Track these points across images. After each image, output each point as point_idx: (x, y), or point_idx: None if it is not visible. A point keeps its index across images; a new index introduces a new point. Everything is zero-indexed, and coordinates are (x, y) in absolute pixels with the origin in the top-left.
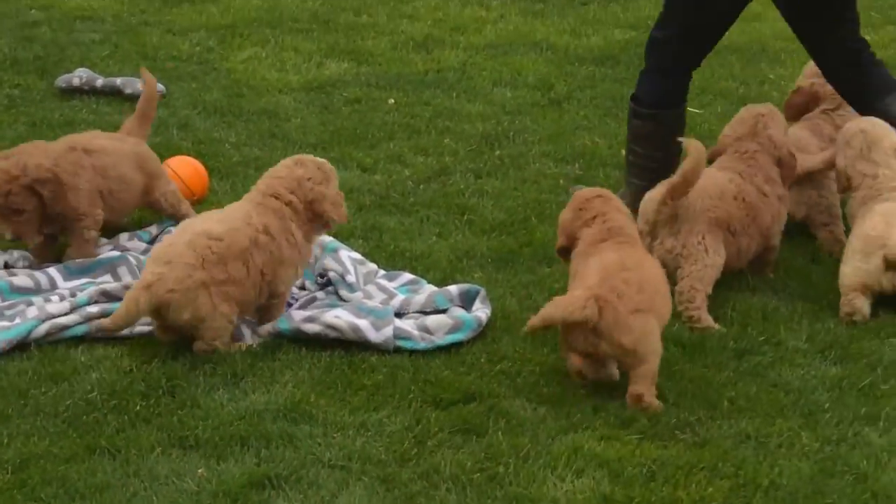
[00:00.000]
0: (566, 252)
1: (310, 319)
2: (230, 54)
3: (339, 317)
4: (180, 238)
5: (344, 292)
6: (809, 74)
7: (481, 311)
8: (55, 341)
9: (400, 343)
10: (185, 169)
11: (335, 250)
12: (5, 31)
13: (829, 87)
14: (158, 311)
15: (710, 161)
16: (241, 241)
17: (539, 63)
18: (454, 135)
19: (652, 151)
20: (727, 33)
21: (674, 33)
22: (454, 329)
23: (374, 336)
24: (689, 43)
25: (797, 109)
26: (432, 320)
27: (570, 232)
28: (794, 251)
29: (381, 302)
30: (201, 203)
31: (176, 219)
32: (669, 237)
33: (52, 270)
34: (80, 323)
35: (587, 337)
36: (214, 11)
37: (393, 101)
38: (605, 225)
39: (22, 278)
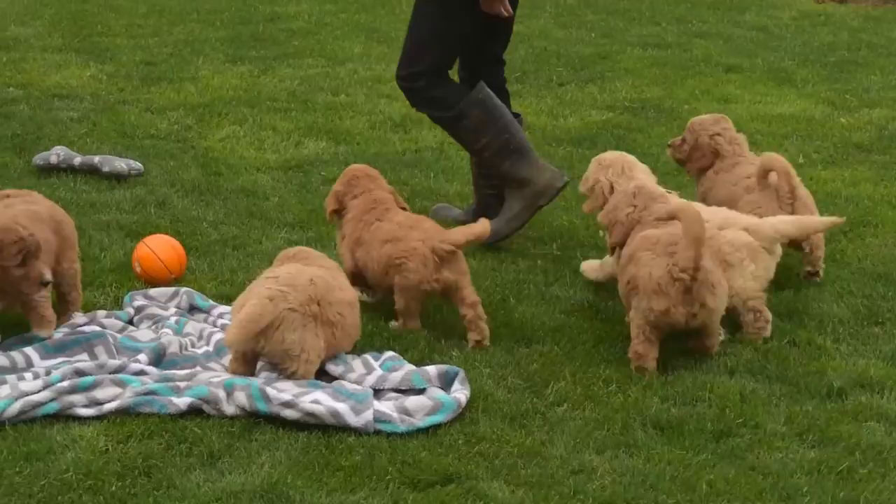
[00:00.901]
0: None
1: (288, 405)
2: (208, 133)
3: (319, 401)
4: (301, 273)
5: None
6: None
7: (460, 393)
8: (30, 420)
9: (380, 426)
10: (162, 247)
11: None
12: None
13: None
14: (265, 330)
15: None
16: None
17: None
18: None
19: (495, 128)
20: None
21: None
22: (434, 411)
23: (353, 420)
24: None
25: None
26: (412, 402)
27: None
28: (772, 333)
29: (359, 375)
30: (179, 282)
31: (64, 301)
32: None
33: (29, 349)
34: (52, 399)
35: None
36: (192, 90)
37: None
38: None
39: None
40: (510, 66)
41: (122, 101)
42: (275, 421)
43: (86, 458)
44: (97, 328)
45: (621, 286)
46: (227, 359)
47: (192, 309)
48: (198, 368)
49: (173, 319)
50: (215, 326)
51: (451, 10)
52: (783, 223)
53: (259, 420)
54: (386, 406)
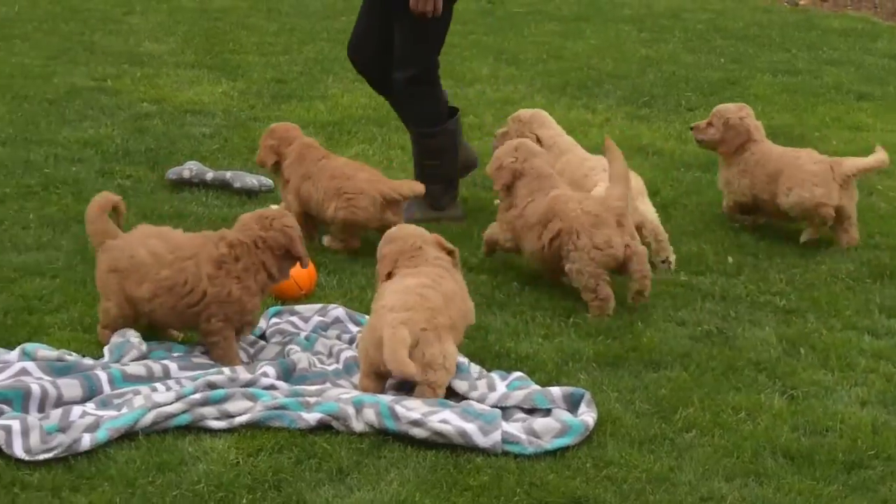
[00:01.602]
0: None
1: (417, 423)
2: (337, 150)
3: (447, 421)
4: (408, 293)
5: None
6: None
7: (588, 415)
8: (163, 431)
9: (508, 447)
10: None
11: None
12: (118, 123)
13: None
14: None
15: None
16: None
17: (644, 168)
18: None
19: (448, 159)
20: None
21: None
22: (561, 433)
23: (482, 441)
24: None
25: None
26: (540, 424)
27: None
28: None
29: (480, 394)
30: (308, 298)
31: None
32: None
33: (168, 362)
34: (185, 411)
35: None
36: (322, 108)
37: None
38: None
39: (135, 367)
40: (639, 89)
41: (254, 118)
42: (403, 438)
43: (217, 471)
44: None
45: (536, 250)
46: (356, 376)
47: (337, 322)
48: (327, 384)
49: (303, 336)
50: (349, 343)
51: (447, 8)
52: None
53: (388, 437)
54: (514, 427)
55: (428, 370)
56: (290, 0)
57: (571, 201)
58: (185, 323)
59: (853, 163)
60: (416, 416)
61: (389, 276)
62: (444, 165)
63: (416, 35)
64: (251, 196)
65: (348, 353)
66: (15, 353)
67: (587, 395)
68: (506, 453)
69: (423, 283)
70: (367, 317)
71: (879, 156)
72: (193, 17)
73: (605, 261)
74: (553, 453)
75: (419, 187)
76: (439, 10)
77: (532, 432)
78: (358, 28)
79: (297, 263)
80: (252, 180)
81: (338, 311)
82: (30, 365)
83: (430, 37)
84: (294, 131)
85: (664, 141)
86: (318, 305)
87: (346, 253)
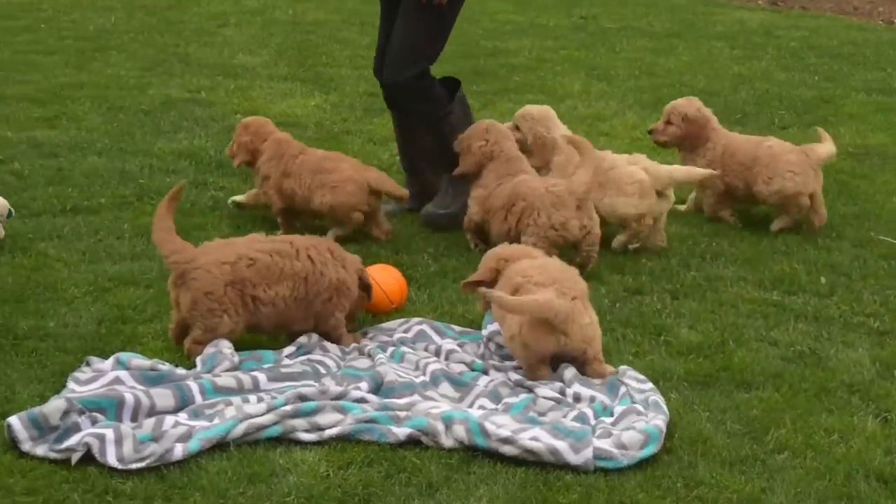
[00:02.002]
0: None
1: (507, 441)
2: None
3: (538, 438)
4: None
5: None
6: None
7: (658, 420)
8: (254, 442)
9: (601, 464)
10: (385, 278)
11: None
12: (212, 134)
13: None
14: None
15: None
16: None
17: None
18: (650, 254)
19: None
20: None
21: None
22: (644, 444)
23: (573, 458)
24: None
25: None
26: (627, 437)
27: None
28: None
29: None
30: (399, 312)
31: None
32: None
33: (258, 373)
34: (275, 423)
35: None
36: None
37: None
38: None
39: (226, 378)
40: (731, 107)
41: (346, 131)
42: (492, 455)
43: (307, 483)
44: (327, 361)
45: (503, 232)
46: (442, 387)
47: (421, 337)
48: (416, 397)
49: (390, 350)
50: (437, 356)
51: (453, 4)
52: (676, 170)
53: (477, 453)
54: (605, 443)
55: (587, 344)
56: None
57: (537, 182)
58: (303, 321)
59: (823, 149)
60: (506, 433)
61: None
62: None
63: (428, 31)
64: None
65: (435, 367)
66: (109, 362)
67: (656, 399)
68: (596, 471)
69: (551, 260)
70: (452, 327)
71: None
72: (287, 29)
73: (558, 240)
74: (644, 472)
75: (402, 192)
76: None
77: (622, 446)
78: (381, 44)
79: (391, 276)
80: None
81: (421, 325)
82: (123, 374)
83: (444, 31)
84: (268, 126)
85: None
86: (401, 320)
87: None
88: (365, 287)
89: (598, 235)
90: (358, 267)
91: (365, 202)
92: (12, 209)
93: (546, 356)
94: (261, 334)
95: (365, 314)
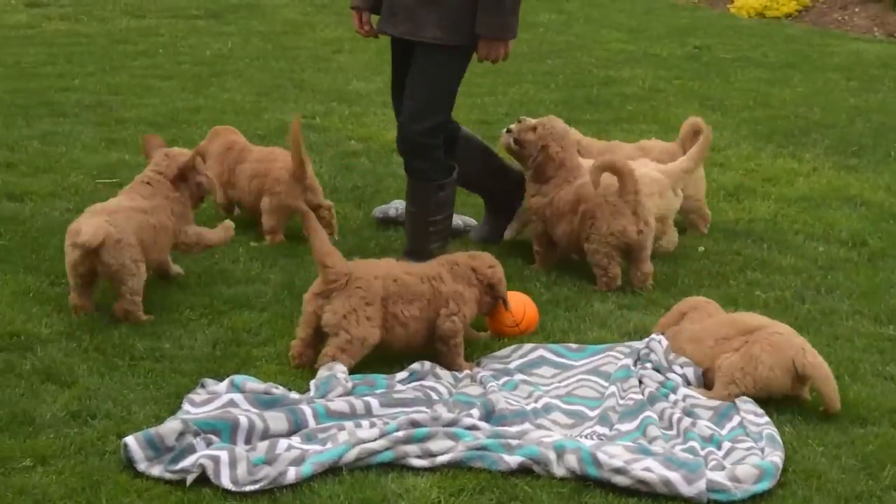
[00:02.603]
0: None
1: (620, 471)
2: None
3: (650, 469)
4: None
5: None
6: None
7: (775, 455)
8: (366, 467)
9: (714, 496)
10: (515, 303)
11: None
12: (326, 160)
13: None
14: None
15: None
16: None
17: (853, 218)
18: (764, 286)
19: (450, 213)
20: None
21: (444, 117)
22: (759, 479)
23: (686, 490)
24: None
25: None
26: (742, 470)
27: None
28: None
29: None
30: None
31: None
32: None
33: (371, 398)
34: (388, 448)
35: None
36: None
37: (703, 248)
38: None
39: (339, 403)
40: (847, 139)
41: None
42: (604, 485)
43: None
44: (439, 388)
45: (563, 231)
46: (554, 414)
47: (542, 361)
48: (527, 425)
49: (503, 380)
50: (558, 381)
51: (465, 58)
52: (683, 160)
53: (589, 482)
54: (719, 475)
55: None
56: None
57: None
58: (424, 339)
59: (679, 166)
60: (618, 463)
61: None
62: (446, 220)
63: (449, 82)
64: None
65: (546, 399)
66: (224, 385)
67: (772, 433)
68: (709, 502)
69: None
70: (572, 348)
71: None
72: None
73: (620, 245)
74: None
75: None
76: (508, 55)
77: (735, 479)
78: (396, 84)
79: (520, 301)
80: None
81: (537, 350)
82: (238, 397)
83: (456, 83)
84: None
85: (873, 192)
86: (514, 346)
87: (272, 245)
88: (493, 294)
89: (649, 244)
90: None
91: (301, 198)
92: None
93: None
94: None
95: (479, 343)
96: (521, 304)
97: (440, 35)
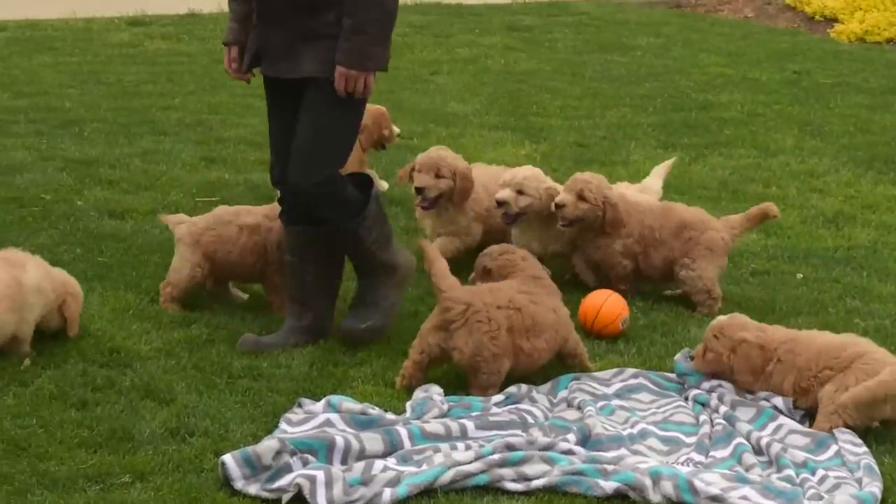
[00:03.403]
0: None
1: (716, 499)
2: None
3: (747, 497)
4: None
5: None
6: None
7: (873, 486)
8: (461, 489)
9: None
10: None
11: None
12: None
13: None
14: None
15: None
16: None
17: None
18: (863, 314)
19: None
20: None
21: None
22: None
23: None
24: None
25: None
26: (840, 501)
27: None
28: None
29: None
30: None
31: None
32: None
33: (466, 420)
34: (483, 471)
35: None
36: (623, 174)
37: (801, 275)
38: None
39: (434, 425)
40: None
41: (557, 181)
42: None
43: None
44: (535, 411)
45: (665, 261)
46: (650, 441)
47: (639, 390)
48: (623, 451)
49: (600, 404)
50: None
51: (362, 106)
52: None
53: None
54: None
55: None
56: (594, 64)
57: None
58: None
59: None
60: (715, 490)
61: None
62: (382, 227)
63: (343, 130)
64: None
65: (642, 425)
66: (321, 405)
67: (870, 463)
68: None
69: None
70: (672, 380)
71: None
72: (498, 79)
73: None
74: None
75: None
76: (370, 88)
77: None
78: (277, 143)
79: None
80: None
81: (637, 378)
82: (334, 417)
83: (357, 129)
84: None
85: None
86: (616, 370)
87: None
88: None
89: None
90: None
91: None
92: None
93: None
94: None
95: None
96: (594, 309)
97: (320, 69)
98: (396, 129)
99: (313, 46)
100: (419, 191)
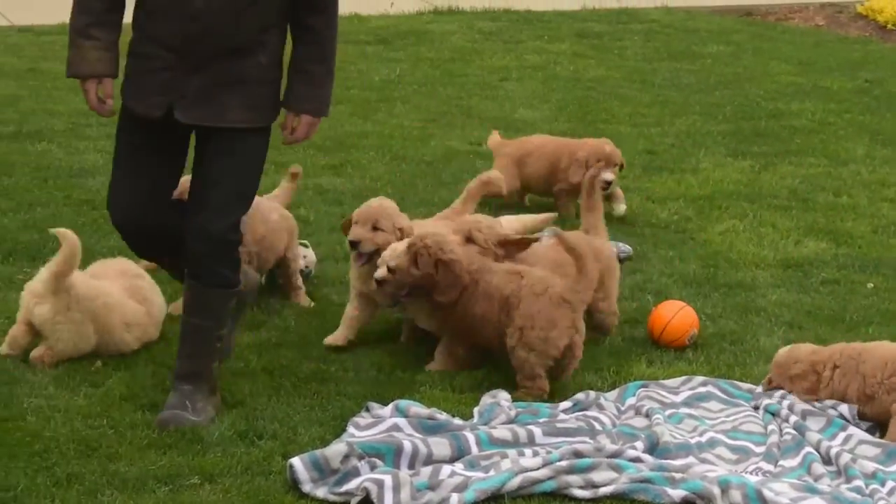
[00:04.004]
0: None
1: None
2: (707, 225)
3: None
4: None
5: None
6: None
7: None
8: (528, 495)
9: None
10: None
11: None
12: None
13: None
14: None
15: None
16: None
17: None
18: None
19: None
20: None
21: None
22: None
23: None
24: None
25: None
26: None
27: None
28: None
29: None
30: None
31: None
32: None
33: (533, 427)
34: (550, 478)
35: None
36: (693, 182)
37: (872, 285)
38: None
39: (502, 431)
40: None
41: (625, 189)
42: None
43: None
44: (603, 418)
45: None
46: (719, 450)
47: (708, 398)
48: (691, 459)
49: (669, 412)
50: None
51: (268, 139)
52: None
53: None
54: None
55: None
56: (663, 71)
57: None
58: None
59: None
60: (784, 501)
61: None
62: (232, 331)
63: (255, 168)
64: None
65: (711, 434)
66: (389, 409)
67: None
68: None
69: None
70: (741, 388)
71: None
72: (567, 85)
73: None
74: None
75: None
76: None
77: None
78: (137, 187)
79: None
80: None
81: (706, 386)
82: (402, 421)
83: (259, 173)
84: None
85: None
86: (684, 378)
87: None
88: None
89: None
90: None
91: None
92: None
93: None
94: None
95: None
96: (662, 322)
97: (248, 117)
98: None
99: (241, 93)
100: (353, 245)
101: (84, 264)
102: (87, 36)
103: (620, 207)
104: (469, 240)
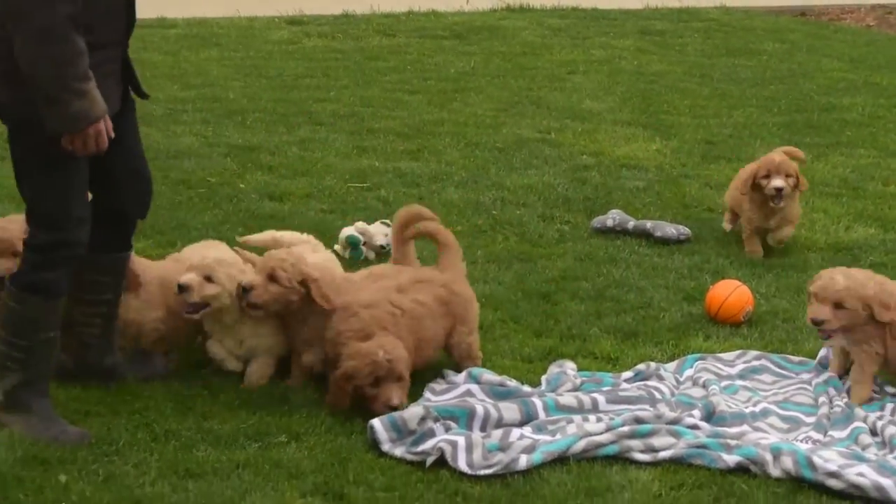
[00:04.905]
0: None
1: (834, 475)
2: None
3: (864, 474)
4: None
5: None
6: None
7: None
8: (592, 458)
9: None
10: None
11: None
12: (559, 172)
13: None
14: None
15: None
16: None
17: None
18: None
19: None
20: None
21: None
22: None
23: None
24: None
25: None
26: None
27: None
28: None
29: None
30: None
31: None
32: None
33: (597, 395)
34: (613, 442)
35: None
36: None
37: None
38: None
39: (567, 398)
40: None
41: (684, 175)
42: (818, 487)
43: (641, 500)
44: (662, 388)
45: None
46: (771, 419)
47: (764, 369)
48: (745, 427)
49: (724, 383)
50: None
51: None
52: None
53: (803, 485)
54: None
55: None
56: (721, 67)
57: None
58: None
59: None
60: (833, 467)
61: None
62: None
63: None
64: (667, 244)
65: (764, 405)
66: (462, 376)
67: None
68: None
69: None
70: (793, 360)
71: None
72: (631, 79)
73: None
74: None
75: None
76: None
77: None
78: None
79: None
80: (671, 230)
81: (760, 360)
82: (475, 387)
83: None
84: None
85: None
86: (739, 352)
87: None
88: None
89: None
90: None
91: None
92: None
93: None
94: None
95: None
96: (719, 300)
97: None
98: None
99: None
100: (182, 288)
101: (182, 239)
102: (88, 77)
103: (782, 232)
104: (272, 278)
